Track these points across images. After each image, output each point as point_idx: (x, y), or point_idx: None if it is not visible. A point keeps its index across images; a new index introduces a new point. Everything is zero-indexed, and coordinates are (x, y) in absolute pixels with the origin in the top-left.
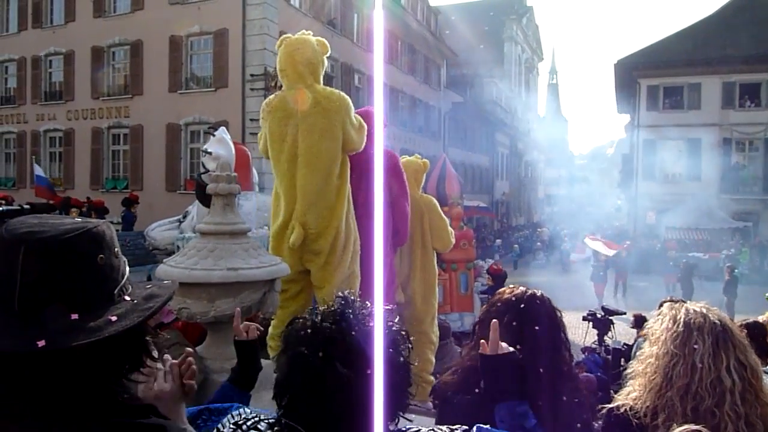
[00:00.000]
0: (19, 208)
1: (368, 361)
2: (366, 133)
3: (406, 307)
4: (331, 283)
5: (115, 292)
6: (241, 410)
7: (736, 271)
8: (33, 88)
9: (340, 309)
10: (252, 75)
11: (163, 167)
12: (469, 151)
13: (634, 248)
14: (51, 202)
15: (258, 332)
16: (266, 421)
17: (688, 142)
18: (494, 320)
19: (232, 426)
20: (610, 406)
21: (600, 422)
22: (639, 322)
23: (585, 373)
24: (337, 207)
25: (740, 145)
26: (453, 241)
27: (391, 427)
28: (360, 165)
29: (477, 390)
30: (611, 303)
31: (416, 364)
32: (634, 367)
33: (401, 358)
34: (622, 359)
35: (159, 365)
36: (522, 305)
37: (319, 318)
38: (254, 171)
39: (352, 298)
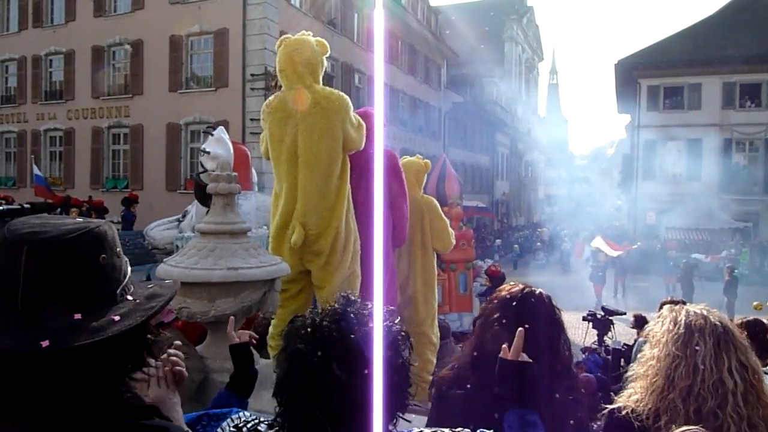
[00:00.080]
0: (19, 207)
1: (366, 361)
2: (365, 131)
3: (406, 307)
4: (331, 283)
5: (118, 291)
6: (241, 414)
7: (736, 271)
8: (33, 87)
9: (340, 309)
10: (252, 75)
11: (163, 167)
12: (470, 151)
13: (634, 249)
14: (50, 201)
15: (252, 339)
16: (266, 422)
17: (689, 142)
18: (520, 328)
19: (232, 429)
20: (612, 408)
21: (600, 423)
22: (639, 322)
23: (585, 374)
24: (337, 207)
25: (741, 145)
26: (453, 241)
27: (391, 428)
28: (359, 164)
29: (469, 386)
30: (611, 303)
31: (416, 364)
32: (635, 369)
33: (400, 359)
34: (622, 360)
35: (152, 371)
36: (519, 303)
37: (319, 317)
38: (253, 171)
39: (353, 298)
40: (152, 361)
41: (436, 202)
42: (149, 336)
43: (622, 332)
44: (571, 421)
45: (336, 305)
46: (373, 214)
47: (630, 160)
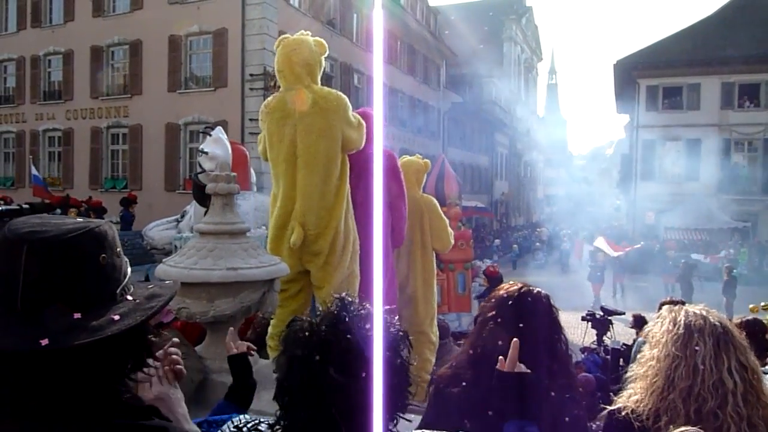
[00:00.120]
0: (18, 208)
1: (365, 363)
2: (365, 130)
3: (405, 307)
4: (330, 283)
5: (117, 291)
6: (241, 416)
7: (734, 271)
8: (32, 87)
9: (337, 311)
10: (251, 75)
11: (162, 167)
12: (469, 151)
13: (637, 248)
14: (47, 201)
15: (250, 351)
16: (266, 422)
17: (688, 142)
18: (515, 339)
19: (233, 429)
20: (611, 408)
21: (600, 424)
22: (638, 322)
23: (584, 374)
24: (336, 207)
25: (739, 145)
26: (452, 241)
27: (391, 427)
28: (358, 164)
29: (465, 383)
30: (610, 303)
31: (415, 364)
32: (635, 369)
33: (399, 360)
34: (621, 359)
35: (152, 370)
36: (516, 301)
37: (317, 320)
38: (252, 171)
39: (350, 299)
40: (151, 362)
41: (435, 201)
42: (149, 336)
43: (621, 332)
44: (567, 419)
45: (332, 308)
46: (372, 214)
47: (629, 160)
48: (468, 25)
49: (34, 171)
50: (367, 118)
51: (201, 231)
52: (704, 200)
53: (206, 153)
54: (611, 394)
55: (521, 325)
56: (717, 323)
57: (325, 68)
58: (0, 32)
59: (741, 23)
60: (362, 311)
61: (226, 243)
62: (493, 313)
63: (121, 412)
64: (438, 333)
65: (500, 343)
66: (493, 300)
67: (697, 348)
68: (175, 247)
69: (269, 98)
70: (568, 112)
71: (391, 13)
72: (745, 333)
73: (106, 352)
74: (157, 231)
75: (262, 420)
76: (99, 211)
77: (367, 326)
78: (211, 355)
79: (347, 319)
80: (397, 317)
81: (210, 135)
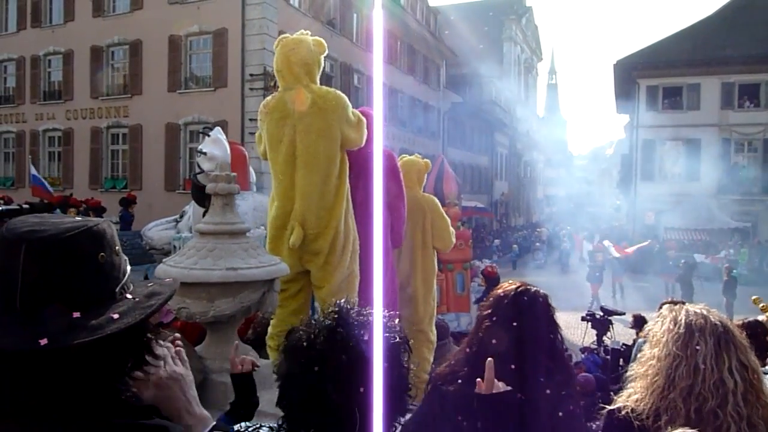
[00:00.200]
0: (18, 207)
1: (364, 375)
2: (366, 127)
3: (405, 306)
4: (330, 282)
5: (117, 290)
6: (243, 423)
7: (734, 271)
8: (32, 87)
9: (333, 323)
10: (251, 75)
11: (162, 167)
12: (469, 151)
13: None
14: (46, 201)
15: (254, 367)
16: (268, 426)
17: (687, 142)
18: (489, 359)
19: None
20: (611, 408)
21: (599, 423)
22: (638, 322)
23: (584, 374)
24: (336, 207)
25: (739, 145)
26: (454, 240)
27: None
28: (358, 164)
29: (460, 381)
30: (610, 303)
31: (414, 367)
32: (635, 369)
33: (398, 366)
34: (621, 360)
35: (164, 351)
36: (512, 300)
37: (315, 332)
38: (252, 171)
39: (348, 307)
40: (162, 343)
41: (437, 201)
42: (149, 334)
43: (621, 332)
44: (560, 413)
45: (330, 318)
46: (371, 213)
47: (629, 161)
48: (468, 25)
49: (33, 171)
50: (366, 117)
51: (201, 231)
52: (704, 200)
53: (204, 154)
54: (611, 394)
55: (515, 324)
56: (718, 322)
57: (324, 68)
58: (0, 32)
59: (741, 23)
60: (361, 318)
61: (226, 243)
62: (490, 311)
63: (120, 412)
64: (436, 333)
65: (494, 341)
66: (490, 299)
67: (698, 347)
68: (174, 247)
69: (268, 98)
70: (568, 112)
71: (391, 13)
72: (746, 334)
73: (105, 350)
74: (155, 231)
75: (263, 424)
76: (98, 210)
77: (366, 336)
78: (211, 355)
79: (343, 332)
80: (397, 320)
81: (209, 136)
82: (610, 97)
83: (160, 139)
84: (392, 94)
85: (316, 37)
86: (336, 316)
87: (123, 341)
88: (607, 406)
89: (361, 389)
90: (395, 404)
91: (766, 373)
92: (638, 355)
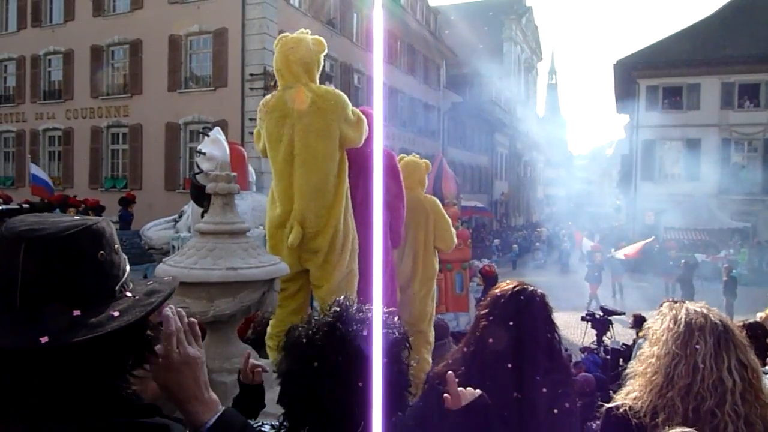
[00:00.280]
0: (18, 207)
1: (362, 371)
2: (365, 126)
3: (405, 306)
4: (329, 281)
5: (117, 288)
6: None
7: (734, 271)
8: (32, 87)
9: (333, 321)
10: (251, 74)
11: (162, 166)
12: (468, 151)
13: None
14: (46, 200)
15: (262, 373)
16: (269, 424)
17: (687, 142)
18: (449, 372)
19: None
20: (609, 405)
21: (598, 422)
22: (638, 322)
23: (584, 373)
24: (335, 206)
25: (739, 145)
26: (456, 240)
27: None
28: (358, 163)
29: (457, 380)
30: (610, 303)
31: (414, 365)
32: (634, 367)
33: (398, 363)
34: (621, 359)
35: (181, 334)
36: (509, 300)
37: (313, 330)
38: (251, 170)
39: (348, 304)
40: (172, 308)
41: (438, 201)
42: (149, 332)
43: (620, 332)
44: (555, 411)
45: (329, 316)
46: (371, 213)
47: (629, 161)
48: (468, 25)
49: (34, 170)
50: (367, 116)
51: (201, 231)
52: (704, 200)
53: (204, 154)
54: (611, 393)
55: (513, 323)
56: (718, 322)
57: (324, 68)
58: (0, 32)
59: (741, 23)
60: (360, 315)
61: (225, 243)
62: (487, 311)
63: (121, 410)
64: (435, 332)
65: (492, 340)
66: (488, 299)
67: (697, 346)
68: (173, 247)
69: (267, 97)
70: (568, 112)
71: (391, 13)
72: (746, 335)
73: (106, 348)
74: (154, 231)
75: (265, 422)
76: (97, 210)
77: (365, 334)
78: (211, 355)
79: (342, 329)
80: (397, 318)
81: (208, 136)
82: (610, 97)
83: (160, 139)
84: (392, 93)
85: (316, 36)
86: (336, 312)
87: (123, 339)
88: (605, 405)
89: (360, 385)
90: (395, 401)
91: (766, 374)
92: (638, 353)
